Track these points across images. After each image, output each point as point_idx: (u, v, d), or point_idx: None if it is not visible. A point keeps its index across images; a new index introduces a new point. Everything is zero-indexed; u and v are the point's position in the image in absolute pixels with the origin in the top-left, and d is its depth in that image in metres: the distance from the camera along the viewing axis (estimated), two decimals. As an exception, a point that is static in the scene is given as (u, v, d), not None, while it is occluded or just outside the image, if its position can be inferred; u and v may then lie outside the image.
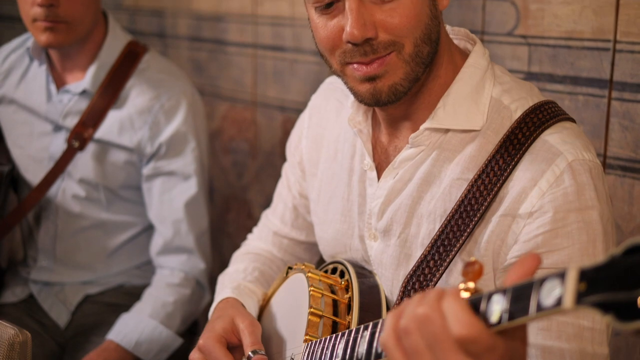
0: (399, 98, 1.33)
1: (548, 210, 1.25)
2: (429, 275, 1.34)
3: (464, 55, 1.42)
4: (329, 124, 1.62)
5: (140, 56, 2.16)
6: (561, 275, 0.82)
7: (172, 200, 2.13)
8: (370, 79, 1.31)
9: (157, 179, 2.13)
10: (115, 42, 2.15)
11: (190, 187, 2.13)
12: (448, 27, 1.47)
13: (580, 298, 0.80)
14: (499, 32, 1.98)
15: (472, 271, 0.96)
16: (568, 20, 1.84)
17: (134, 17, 3.19)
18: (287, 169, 1.77)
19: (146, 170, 2.13)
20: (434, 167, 1.37)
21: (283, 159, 2.60)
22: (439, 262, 1.33)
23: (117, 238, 2.21)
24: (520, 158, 1.29)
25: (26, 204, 2.15)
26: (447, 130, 1.37)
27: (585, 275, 0.81)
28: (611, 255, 0.79)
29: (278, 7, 2.60)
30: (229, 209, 2.94)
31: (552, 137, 1.30)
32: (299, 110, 2.53)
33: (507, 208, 1.28)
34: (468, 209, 1.31)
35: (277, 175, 2.50)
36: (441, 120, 1.36)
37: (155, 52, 2.25)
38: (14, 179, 2.25)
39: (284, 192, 1.78)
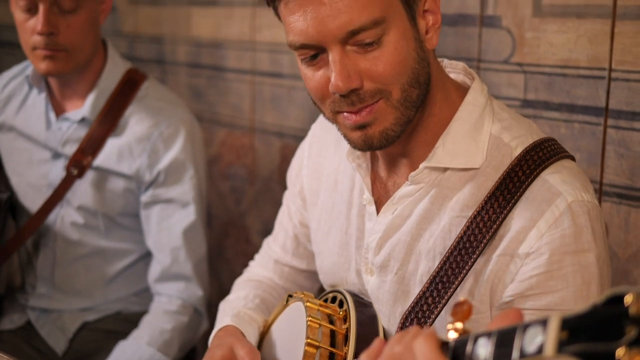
0: (391, 142, 1.33)
1: (544, 252, 1.25)
2: (427, 312, 1.34)
3: (461, 90, 1.42)
4: (329, 154, 1.62)
5: (139, 84, 2.17)
6: (543, 323, 0.82)
7: (170, 227, 2.13)
8: (361, 126, 1.31)
9: (156, 206, 2.14)
10: (114, 70, 2.17)
11: (188, 215, 2.14)
12: (445, 61, 1.48)
13: (562, 347, 0.80)
14: (495, 59, 1.99)
15: (461, 311, 0.97)
16: (563, 49, 1.85)
17: (133, 43, 3.21)
18: (288, 198, 1.77)
19: (144, 197, 2.14)
20: (433, 205, 1.37)
21: (281, 185, 2.62)
22: (437, 298, 1.33)
23: (116, 265, 2.21)
24: (520, 196, 1.29)
25: (25, 231, 2.15)
26: (446, 169, 1.37)
27: (567, 324, 0.80)
28: (593, 305, 0.79)
29: (276, 34, 2.62)
30: (227, 235, 2.94)
31: (552, 177, 1.30)
32: (297, 136, 2.55)
33: (506, 247, 1.28)
34: (467, 245, 1.31)
35: (275, 201, 2.52)
36: (440, 159, 1.36)
37: (154, 79, 2.26)
38: (13, 205, 2.25)
39: (285, 221, 1.78)
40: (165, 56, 3.09)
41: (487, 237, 1.29)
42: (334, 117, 1.35)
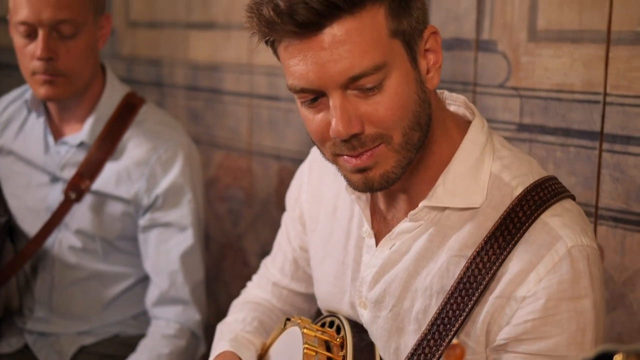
0: (392, 184, 1.33)
1: (541, 297, 1.25)
2: (429, 355, 1.33)
3: (462, 126, 1.42)
4: (329, 180, 1.61)
5: (138, 108, 2.19)
6: None
7: (168, 251, 2.14)
8: (361, 170, 1.30)
9: (154, 230, 2.14)
10: (113, 94, 2.18)
11: (186, 239, 2.15)
12: (446, 93, 1.48)
13: None
14: (491, 84, 2.01)
15: (454, 355, 0.97)
16: (558, 73, 1.87)
17: (131, 66, 3.23)
18: (287, 221, 1.76)
19: (142, 221, 2.14)
20: (432, 243, 1.36)
21: (278, 207, 2.63)
22: (439, 341, 1.32)
23: (113, 289, 2.22)
24: (519, 238, 1.29)
25: (23, 255, 2.16)
26: (446, 208, 1.36)
27: None
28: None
29: (273, 57, 2.62)
30: (225, 257, 2.95)
31: (553, 220, 1.30)
32: (294, 159, 2.57)
33: (503, 289, 1.28)
34: (467, 286, 1.30)
35: (272, 224, 2.52)
36: (440, 198, 1.35)
37: (152, 103, 2.28)
38: (11, 229, 2.26)
39: (283, 244, 1.77)
40: (163, 79, 3.11)
41: (487, 279, 1.28)
42: (334, 160, 1.34)
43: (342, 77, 1.24)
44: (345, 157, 1.31)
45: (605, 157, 1.80)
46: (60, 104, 2.14)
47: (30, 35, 2.00)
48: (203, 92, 2.95)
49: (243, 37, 2.73)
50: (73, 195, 2.11)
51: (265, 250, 1.98)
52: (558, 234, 1.28)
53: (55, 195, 2.16)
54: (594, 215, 1.82)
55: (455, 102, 1.48)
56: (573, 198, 1.39)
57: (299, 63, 1.25)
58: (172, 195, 2.13)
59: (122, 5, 3.23)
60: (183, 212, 2.14)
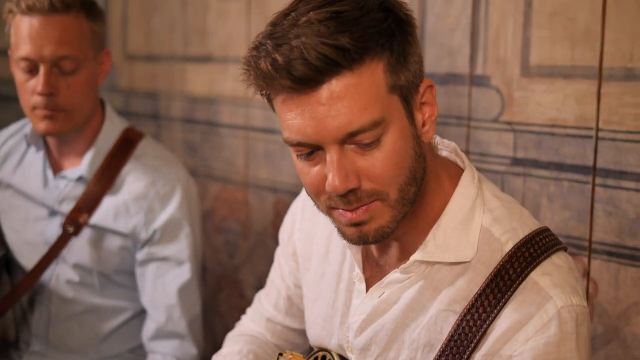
0: (386, 238, 1.33)
1: (527, 358, 1.26)
2: None
3: (453, 175, 1.42)
4: (321, 220, 1.59)
5: (136, 143, 2.20)
6: None
7: (165, 285, 2.14)
8: (356, 224, 1.30)
9: (151, 264, 2.15)
10: (112, 129, 2.20)
11: (183, 273, 2.15)
12: (437, 139, 1.48)
13: None
14: (484, 118, 2.03)
15: None
16: (551, 108, 1.89)
17: (128, 98, 3.26)
18: (280, 258, 1.76)
19: (140, 255, 2.15)
20: (422, 295, 1.36)
21: (275, 239, 2.63)
22: None
23: (110, 323, 2.22)
24: (510, 296, 1.29)
25: (20, 289, 2.16)
26: (436, 262, 1.36)
27: None
28: None
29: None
30: (221, 289, 2.95)
31: (543, 280, 1.30)
32: (290, 191, 2.58)
33: (491, 347, 1.28)
34: (458, 344, 1.30)
35: (269, 256, 2.53)
36: (431, 253, 1.35)
37: (150, 138, 2.30)
38: (8, 262, 2.26)
39: (277, 281, 1.77)
40: (160, 111, 3.13)
41: (477, 337, 1.29)
42: (328, 212, 1.33)
43: (340, 133, 1.23)
44: (340, 210, 1.30)
45: (598, 191, 1.82)
46: (60, 138, 2.16)
47: (32, 70, 2.03)
48: (200, 125, 2.97)
49: (239, 71, 2.75)
50: (71, 229, 2.12)
51: (261, 282, 1.99)
52: (548, 294, 1.28)
53: (53, 229, 2.17)
54: (588, 249, 1.84)
55: (447, 149, 1.48)
56: (565, 249, 1.39)
57: (297, 117, 1.24)
58: (169, 230, 2.14)
59: (119, 39, 3.26)
60: (180, 247, 2.15)
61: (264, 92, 1.30)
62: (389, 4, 1.29)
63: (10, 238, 2.24)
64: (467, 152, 2.06)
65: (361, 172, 1.27)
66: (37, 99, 2.02)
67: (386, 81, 1.26)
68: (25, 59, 2.02)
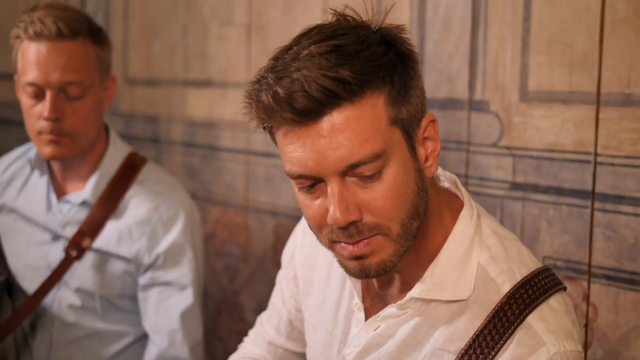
0: (388, 271, 1.33)
1: None
2: None
3: (454, 210, 1.42)
4: (322, 246, 1.62)
5: (140, 167, 2.22)
6: None
7: (168, 310, 2.15)
8: (358, 257, 1.30)
9: (154, 289, 2.16)
10: (116, 154, 2.22)
11: (186, 298, 2.16)
12: (440, 170, 1.49)
13: None
14: (484, 143, 2.05)
15: None
16: (550, 133, 1.91)
17: (129, 122, 3.27)
18: (281, 281, 1.76)
19: (143, 280, 2.16)
20: (418, 332, 1.37)
21: (275, 263, 2.65)
22: None
23: (112, 347, 2.22)
24: (507, 339, 1.29)
25: (22, 312, 2.17)
26: (433, 300, 1.37)
27: None
28: None
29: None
30: (221, 313, 2.96)
31: (538, 324, 1.31)
32: (290, 215, 2.59)
33: None
34: None
35: (269, 280, 2.54)
36: (428, 291, 1.35)
37: (153, 163, 2.31)
38: (10, 286, 2.27)
39: (278, 305, 1.77)
40: (161, 135, 3.15)
41: None
42: (330, 246, 1.33)
43: (340, 165, 1.24)
44: (342, 244, 1.30)
45: (597, 216, 1.83)
46: (64, 163, 2.18)
47: (38, 95, 2.05)
48: (200, 149, 2.98)
49: (239, 95, 2.76)
50: (74, 253, 2.13)
51: (261, 306, 2.00)
52: (542, 339, 1.29)
53: (56, 253, 2.18)
54: (587, 273, 1.85)
55: (448, 180, 1.49)
56: (564, 289, 1.40)
57: (298, 149, 1.25)
58: (172, 255, 2.15)
59: (120, 63, 3.29)
60: (183, 271, 2.16)
61: (265, 125, 1.31)
62: (390, 39, 1.30)
63: (13, 262, 2.25)
64: (466, 177, 2.07)
65: (362, 204, 1.27)
66: (43, 124, 2.04)
67: (387, 114, 1.27)
68: (32, 84, 2.04)
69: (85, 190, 2.17)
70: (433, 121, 1.36)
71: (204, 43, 2.93)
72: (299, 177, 1.28)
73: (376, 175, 1.27)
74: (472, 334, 1.31)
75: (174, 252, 2.15)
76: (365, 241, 1.29)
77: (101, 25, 2.24)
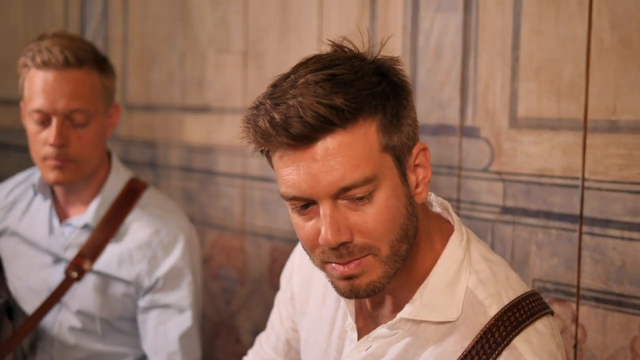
0: (377, 292, 1.37)
1: None
2: None
3: (445, 235, 1.47)
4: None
5: (141, 192, 2.27)
6: None
7: (167, 332, 2.18)
8: (348, 277, 1.34)
9: (153, 311, 2.19)
10: (117, 179, 2.27)
11: (185, 321, 2.20)
12: (432, 196, 1.54)
13: None
14: (475, 168, 2.10)
15: None
16: (539, 159, 1.96)
17: (127, 147, 3.32)
18: (280, 302, 1.79)
19: (142, 302, 2.20)
20: (407, 352, 1.41)
21: (271, 286, 2.69)
22: None
23: None
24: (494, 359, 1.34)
25: (21, 333, 2.20)
26: (422, 321, 1.41)
27: None
28: None
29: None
30: (218, 335, 2.99)
31: (523, 346, 1.35)
32: (286, 238, 2.64)
33: None
34: None
35: (265, 302, 2.58)
36: (417, 312, 1.39)
37: (154, 188, 2.36)
38: (10, 309, 2.30)
39: (276, 325, 1.80)
40: (158, 160, 3.19)
41: None
42: (322, 266, 1.38)
43: (333, 188, 1.30)
44: (333, 264, 1.35)
45: (585, 239, 1.88)
46: (67, 187, 2.22)
47: (44, 122, 2.10)
48: (197, 174, 3.03)
49: (236, 121, 2.83)
50: (74, 275, 2.17)
51: (258, 328, 2.03)
52: None
53: (57, 276, 2.22)
54: (576, 295, 1.89)
55: (440, 206, 1.54)
56: (551, 314, 1.44)
57: (292, 172, 1.31)
58: (172, 278, 2.19)
59: (119, 89, 3.33)
60: (182, 294, 2.20)
61: (262, 149, 1.37)
62: (384, 69, 1.37)
63: (14, 285, 2.29)
64: (458, 201, 2.12)
65: (353, 227, 1.32)
66: (49, 150, 2.09)
67: (379, 141, 1.33)
68: (39, 111, 2.09)
69: (87, 214, 2.21)
70: (424, 149, 1.41)
71: (201, 70, 2.99)
72: (292, 198, 1.34)
73: (367, 198, 1.32)
74: (460, 355, 1.36)
75: (173, 275, 2.19)
76: (356, 262, 1.34)
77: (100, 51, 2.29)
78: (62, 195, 2.25)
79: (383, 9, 2.30)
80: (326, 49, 1.41)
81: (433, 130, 2.18)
